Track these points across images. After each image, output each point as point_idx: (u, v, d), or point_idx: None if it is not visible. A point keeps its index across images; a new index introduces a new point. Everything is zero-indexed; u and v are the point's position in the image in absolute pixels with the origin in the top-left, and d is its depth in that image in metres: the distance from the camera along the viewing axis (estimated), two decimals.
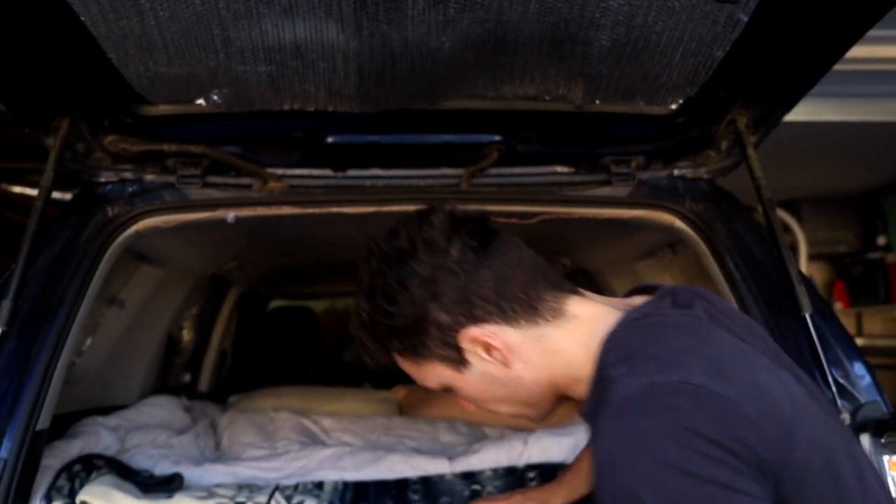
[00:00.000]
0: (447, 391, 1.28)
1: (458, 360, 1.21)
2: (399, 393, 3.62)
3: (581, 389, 1.20)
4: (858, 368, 1.72)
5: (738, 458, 0.96)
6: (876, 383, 1.70)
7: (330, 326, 6.61)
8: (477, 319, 1.18)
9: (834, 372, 1.69)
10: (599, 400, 1.10)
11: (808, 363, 1.69)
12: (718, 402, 0.98)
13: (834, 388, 1.67)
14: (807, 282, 1.82)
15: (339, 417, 3.02)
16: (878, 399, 1.67)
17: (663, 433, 0.96)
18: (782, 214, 3.73)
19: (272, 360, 4.58)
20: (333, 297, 5.51)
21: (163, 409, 2.70)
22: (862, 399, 1.67)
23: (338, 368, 4.66)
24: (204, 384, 3.77)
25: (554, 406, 1.29)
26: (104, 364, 2.62)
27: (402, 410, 3.41)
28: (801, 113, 3.00)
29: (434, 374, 1.24)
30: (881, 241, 6.16)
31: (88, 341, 2.46)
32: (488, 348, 1.19)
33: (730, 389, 1.00)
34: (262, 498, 1.74)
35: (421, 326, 1.18)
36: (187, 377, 3.62)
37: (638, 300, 1.26)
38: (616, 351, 1.13)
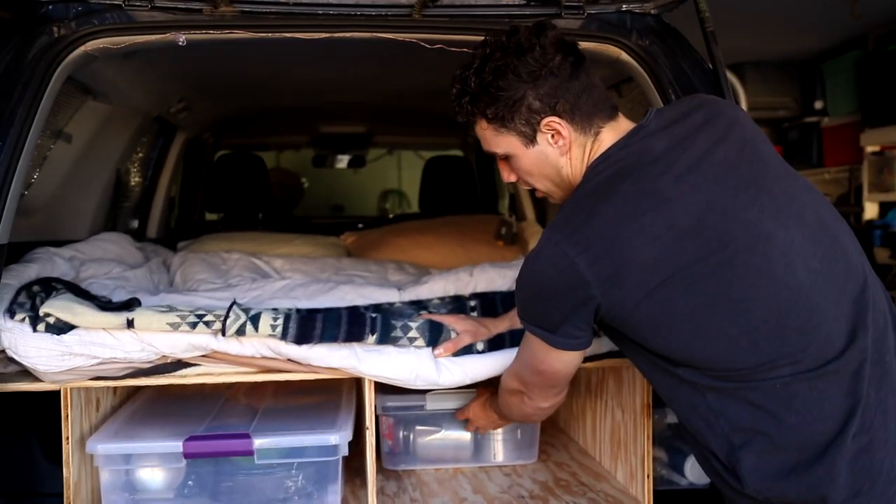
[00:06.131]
0: (504, 159, 1.63)
1: (531, 137, 1.56)
2: (348, 239, 3.70)
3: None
4: None
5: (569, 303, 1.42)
6: None
7: (277, 184, 6.58)
8: (557, 113, 1.52)
9: None
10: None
11: None
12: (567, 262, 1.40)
13: None
14: None
15: (290, 258, 3.09)
16: None
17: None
18: (729, 75, 3.80)
19: (220, 209, 4.58)
20: (281, 150, 5.44)
21: (116, 244, 2.72)
22: None
23: (287, 220, 4.69)
24: (153, 231, 3.78)
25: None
26: (53, 199, 2.61)
27: (351, 255, 3.50)
28: None
29: (506, 142, 1.58)
30: (818, 105, 6.31)
31: (37, 174, 2.45)
32: (556, 136, 1.54)
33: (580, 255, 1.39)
34: (221, 311, 1.81)
35: (516, 105, 1.52)
36: (135, 223, 3.62)
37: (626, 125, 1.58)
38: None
